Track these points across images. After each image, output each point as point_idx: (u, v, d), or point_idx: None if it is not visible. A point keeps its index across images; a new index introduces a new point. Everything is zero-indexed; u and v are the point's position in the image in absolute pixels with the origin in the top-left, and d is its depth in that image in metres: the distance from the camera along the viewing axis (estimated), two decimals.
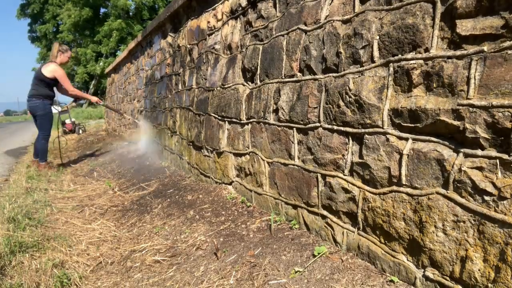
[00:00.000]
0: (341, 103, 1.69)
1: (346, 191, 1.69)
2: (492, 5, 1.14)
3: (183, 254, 2.12)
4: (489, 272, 1.11)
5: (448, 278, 1.24)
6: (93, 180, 4.43)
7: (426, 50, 1.34)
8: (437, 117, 1.26)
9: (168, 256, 2.15)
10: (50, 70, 4.80)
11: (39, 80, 4.77)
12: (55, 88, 4.99)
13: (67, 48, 5.10)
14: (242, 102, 2.65)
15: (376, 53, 1.54)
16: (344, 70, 1.71)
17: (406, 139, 1.40)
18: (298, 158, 2.04)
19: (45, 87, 4.82)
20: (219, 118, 3.03)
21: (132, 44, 6.79)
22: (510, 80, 1.07)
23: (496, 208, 1.09)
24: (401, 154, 1.40)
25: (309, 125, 1.93)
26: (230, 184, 2.94)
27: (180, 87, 4.18)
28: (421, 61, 1.35)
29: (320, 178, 1.87)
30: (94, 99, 5.55)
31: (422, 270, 1.33)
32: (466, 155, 1.19)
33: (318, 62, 1.90)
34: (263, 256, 1.80)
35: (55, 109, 6.04)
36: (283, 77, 2.18)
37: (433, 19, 1.32)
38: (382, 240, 1.51)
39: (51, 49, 5.18)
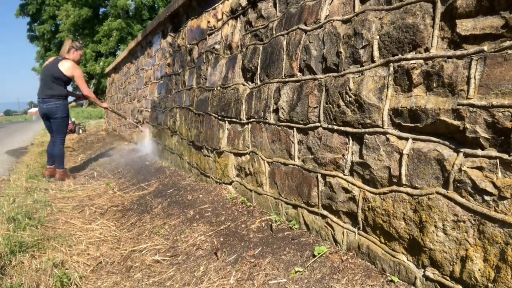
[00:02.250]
0: (341, 103, 1.69)
1: (346, 191, 1.69)
2: (492, 5, 1.14)
3: (183, 254, 2.12)
4: (489, 272, 1.11)
5: (448, 278, 1.24)
6: (93, 180, 4.43)
7: (426, 50, 1.34)
8: (437, 117, 1.26)
9: (168, 256, 2.15)
10: (69, 68, 4.31)
11: (55, 79, 4.26)
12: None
13: (81, 45, 4.63)
14: (242, 102, 2.65)
15: (376, 53, 1.54)
16: (344, 70, 1.71)
17: (406, 139, 1.40)
18: (298, 158, 2.04)
19: (63, 86, 4.35)
20: (219, 118, 3.03)
21: (132, 44, 6.79)
22: (510, 80, 1.07)
23: (496, 208, 1.09)
24: (401, 154, 1.40)
25: (309, 125, 1.93)
26: (230, 184, 2.94)
27: (180, 87, 4.18)
28: (421, 61, 1.34)
29: (320, 178, 1.87)
30: (104, 105, 5.18)
31: (422, 270, 1.33)
32: (466, 155, 1.19)
33: (318, 62, 1.90)
34: (263, 256, 1.80)
35: None
36: (283, 77, 2.18)
37: (433, 19, 1.32)
38: (382, 240, 1.51)
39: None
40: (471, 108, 1.16)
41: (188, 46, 3.92)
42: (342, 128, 1.70)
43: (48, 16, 24.89)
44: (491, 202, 1.11)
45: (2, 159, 6.39)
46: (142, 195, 3.43)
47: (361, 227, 1.62)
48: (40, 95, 4.34)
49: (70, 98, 4.86)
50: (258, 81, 2.48)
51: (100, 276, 2.07)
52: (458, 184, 1.20)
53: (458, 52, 1.22)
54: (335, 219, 1.78)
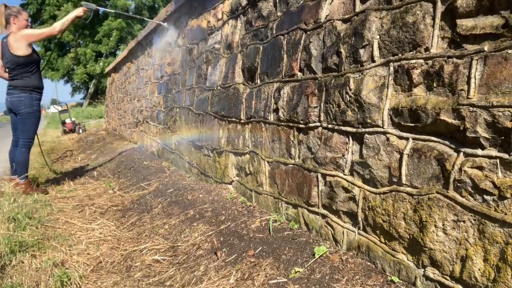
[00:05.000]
0: (341, 102, 1.69)
1: (346, 190, 1.69)
2: (492, 4, 1.14)
3: (183, 254, 2.12)
4: (489, 272, 1.11)
5: (448, 277, 1.24)
6: (93, 179, 4.43)
7: (427, 49, 1.34)
8: (437, 117, 1.26)
9: (168, 255, 2.15)
10: (15, 42, 3.42)
11: (19, 66, 3.50)
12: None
13: (19, 8, 3.63)
14: (242, 102, 2.65)
15: (376, 53, 1.54)
16: (344, 69, 1.71)
17: (407, 139, 1.40)
18: (298, 157, 2.04)
19: (30, 74, 3.55)
20: (219, 117, 3.03)
21: (132, 44, 6.79)
22: (510, 80, 1.07)
23: (496, 208, 1.09)
24: (401, 154, 1.40)
25: (309, 125, 1.93)
26: (230, 183, 2.94)
27: (180, 86, 4.18)
28: (422, 61, 1.34)
29: (320, 178, 1.87)
30: (78, 11, 3.74)
31: (423, 269, 1.33)
32: (467, 155, 1.19)
33: (318, 62, 1.89)
34: (263, 256, 1.80)
35: (55, 109, 5.45)
36: (283, 77, 2.18)
37: (434, 18, 1.32)
38: (382, 240, 1.51)
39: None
40: (471, 108, 1.16)
41: (188, 45, 3.92)
42: (342, 127, 1.70)
43: (48, 16, 24.88)
44: (491, 202, 1.11)
45: (3, 159, 6.39)
46: (142, 195, 3.43)
47: (361, 227, 1.62)
48: (7, 85, 3.64)
49: None
50: (258, 81, 2.48)
51: (100, 276, 2.07)
52: (458, 184, 1.20)
53: (458, 52, 1.22)
54: (335, 218, 1.78)
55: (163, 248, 2.25)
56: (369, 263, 1.57)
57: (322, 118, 1.84)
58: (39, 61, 3.69)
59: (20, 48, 3.46)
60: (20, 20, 3.56)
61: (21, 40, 3.46)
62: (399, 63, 1.43)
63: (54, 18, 24.72)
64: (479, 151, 1.15)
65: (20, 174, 3.61)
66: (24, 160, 3.64)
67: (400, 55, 1.43)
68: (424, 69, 1.33)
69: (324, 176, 1.84)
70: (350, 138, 1.67)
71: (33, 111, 3.63)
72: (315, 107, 1.88)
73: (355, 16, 1.67)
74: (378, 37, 1.53)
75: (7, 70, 3.62)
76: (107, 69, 11.29)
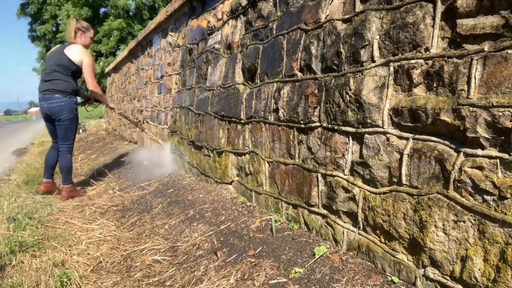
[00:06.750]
0: (341, 102, 1.69)
1: (346, 190, 1.69)
2: (492, 4, 1.14)
3: (183, 254, 2.11)
4: (489, 272, 1.11)
5: (448, 277, 1.24)
6: (93, 179, 4.43)
7: (427, 49, 1.34)
8: (437, 117, 1.26)
9: (168, 255, 2.15)
10: (77, 52, 3.50)
11: (60, 67, 3.45)
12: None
13: (88, 25, 3.76)
14: (242, 102, 2.65)
15: (376, 53, 1.54)
16: (344, 69, 1.71)
17: (407, 139, 1.40)
18: (298, 157, 2.04)
19: (70, 79, 3.53)
20: (219, 117, 3.03)
21: (132, 44, 6.79)
22: (510, 80, 1.07)
23: (496, 208, 1.09)
24: (401, 154, 1.40)
25: (309, 125, 1.93)
26: (230, 183, 2.94)
27: (180, 86, 4.18)
28: (422, 61, 1.34)
29: (320, 178, 1.87)
30: (111, 105, 4.30)
31: (423, 269, 1.33)
32: (467, 155, 1.18)
33: (318, 62, 1.89)
34: (263, 256, 1.80)
35: None
36: (283, 77, 2.18)
37: (434, 18, 1.32)
38: (383, 240, 1.51)
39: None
40: (471, 108, 1.16)
41: (188, 45, 3.92)
42: (342, 128, 1.70)
43: (49, 16, 24.84)
44: (491, 202, 1.11)
45: (3, 159, 6.39)
46: (142, 195, 3.43)
47: (361, 227, 1.62)
48: (41, 89, 3.48)
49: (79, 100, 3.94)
50: (258, 81, 2.48)
51: (100, 276, 2.07)
52: (458, 184, 1.20)
53: (458, 52, 1.22)
54: (335, 218, 1.78)
55: (163, 248, 2.25)
56: (369, 263, 1.57)
57: (322, 118, 1.84)
58: (79, 74, 3.69)
59: (75, 56, 3.51)
60: (86, 36, 3.71)
61: (81, 56, 3.53)
62: (399, 63, 1.43)
63: (55, 18, 24.71)
64: (479, 151, 1.15)
65: (66, 179, 3.67)
66: (70, 166, 3.69)
67: (400, 55, 1.43)
68: (424, 69, 1.33)
69: (324, 176, 1.84)
70: (350, 138, 1.67)
71: (74, 116, 3.58)
72: (315, 107, 1.88)
73: (355, 16, 1.67)
74: (378, 37, 1.53)
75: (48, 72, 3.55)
76: (107, 69, 11.29)
